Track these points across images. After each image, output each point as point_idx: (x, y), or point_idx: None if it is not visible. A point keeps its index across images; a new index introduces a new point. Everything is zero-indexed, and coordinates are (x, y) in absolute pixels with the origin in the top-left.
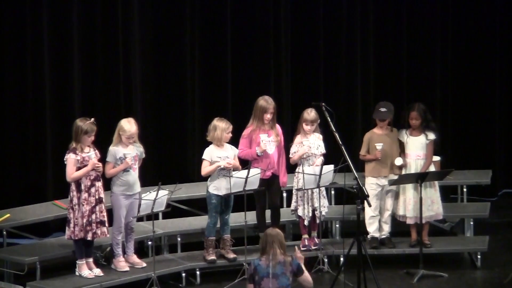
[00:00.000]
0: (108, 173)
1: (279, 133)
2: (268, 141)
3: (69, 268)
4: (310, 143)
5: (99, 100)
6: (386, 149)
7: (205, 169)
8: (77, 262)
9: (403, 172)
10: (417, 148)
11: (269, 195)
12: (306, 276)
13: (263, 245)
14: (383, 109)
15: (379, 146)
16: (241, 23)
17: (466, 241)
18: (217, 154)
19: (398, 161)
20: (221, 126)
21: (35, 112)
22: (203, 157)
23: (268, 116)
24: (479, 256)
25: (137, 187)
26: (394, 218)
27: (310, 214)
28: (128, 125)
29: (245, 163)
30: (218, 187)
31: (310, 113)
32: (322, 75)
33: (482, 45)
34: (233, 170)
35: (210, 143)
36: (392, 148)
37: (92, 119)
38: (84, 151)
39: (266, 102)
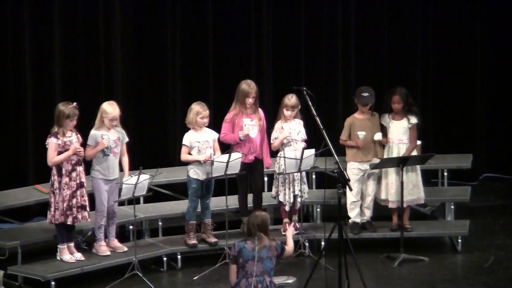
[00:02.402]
0: (87, 155)
1: (261, 117)
2: (251, 125)
3: (50, 253)
4: (291, 128)
5: (80, 84)
6: (368, 135)
7: (184, 156)
8: (58, 246)
9: (385, 152)
10: (399, 133)
11: (252, 179)
12: (287, 251)
13: (249, 228)
14: (365, 94)
15: (361, 135)
16: (223, 6)
17: (446, 225)
18: (196, 139)
19: (377, 136)
20: (194, 110)
21: (16, 96)
22: (182, 142)
23: (250, 100)
24: (459, 240)
25: (117, 172)
26: (375, 202)
27: (292, 200)
28: (111, 107)
29: (227, 147)
30: (198, 172)
31: (291, 99)
32: (303, 59)
33: (463, 30)
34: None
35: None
36: (374, 133)
37: (75, 103)
38: (66, 135)
39: (248, 86)
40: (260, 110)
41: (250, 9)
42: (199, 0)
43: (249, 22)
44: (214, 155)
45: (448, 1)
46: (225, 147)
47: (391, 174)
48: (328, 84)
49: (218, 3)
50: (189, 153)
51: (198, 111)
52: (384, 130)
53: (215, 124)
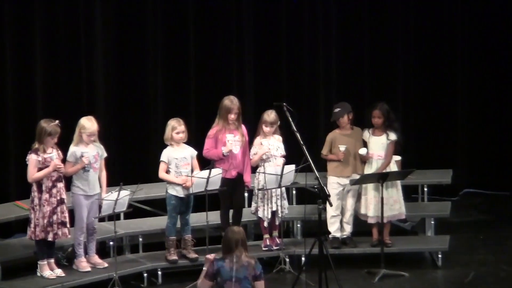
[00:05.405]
0: (67, 171)
1: (244, 133)
2: (233, 141)
3: (31, 269)
4: (270, 144)
5: (61, 100)
6: (349, 149)
7: (162, 174)
8: (39, 262)
9: (365, 169)
10: (378, 148)
11: (235, 195)
12: (262, 285)
13: (228, 245)
14: (337, 109)
15: (342, 147)
16: (204, 23)
17: (427, 241)
18: (174, 155)
19: (362, 151)
20: (170, 125)
21: None
22: (160, 159)
23: (232, 116)
24: (440, 256)
25: (98, 187)
26: (356, 217)
27: (270, 216)
28: (89, 123)
29: (207, 163)
30: (177, 188)
31: (270, 115)
32: (284, 75)
33: (443, 46)
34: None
35: None
36: (355, 147)
37: (57, 121)
38: (46, 152)
39: (230, 102)
40: (243, 126)
41: (231, 25)
42: (181, 16)
43: (230, 37)
44: (192, 172)
45: (429, 17)
46: (206, 164)
47: (370, 190)
48: (309, 100)
49: (200, 18)
50: (168, 170)
51: (174, 126)
52: (365, 145)
53: (196, 140)
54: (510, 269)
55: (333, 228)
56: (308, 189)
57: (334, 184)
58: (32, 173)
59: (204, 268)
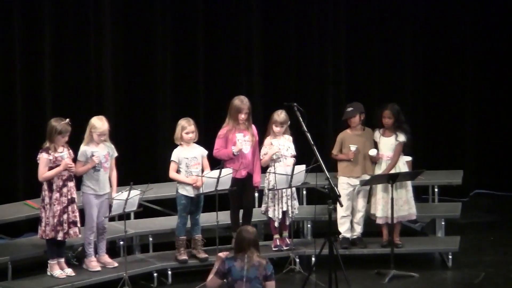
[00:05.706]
0: (78, 171)
1: (254, 133)
2: (243, 140)
3: (40, 268)
4: (280, 144)
5: (70, 100)
6: (360, 149)
7: (172, 174)
8: (49, 262)
9: (375, 169)
10: (388, 149)
11: (244, 195)
12: (273, 285)
13: (241, 244)
14: (349, 109)
15: (353, 147)
16: (213, 23)
17: (437, 241)
18: (184, 155)
19: (372, 152)
20: (180, 125)
21: (5, 110)
22: (171, 158)
23: (242, 116)
24: (450, 256)
25: (108, 187)
26: (367, 217)
27: (280, 216)
28: (100, 122)
29: (217, 163)
30: (187, 188)
31: (280, 115)
32: (294, 75)
33: (453, 47)
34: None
35: None
36: (366, 147)
37: (67, 119)
38: (57, 151)
39: (240, 102)
40: (253, 126)
41: (240, 25)
42: (190, 16)
43: (239, 38)
44: (203, 172)
45: (439, 18)
46: (216, 163)
47: (379, 191)
48: (318, 100)
49: (209, 19)
50: (178, 169)
51: (183, 126)
52: (376, 146)
53: (205, 140)
54: None
55: (343, 228)
56: (318, 189)
57: (344, 184)
58: (43, 172)
59: (215, 266)
